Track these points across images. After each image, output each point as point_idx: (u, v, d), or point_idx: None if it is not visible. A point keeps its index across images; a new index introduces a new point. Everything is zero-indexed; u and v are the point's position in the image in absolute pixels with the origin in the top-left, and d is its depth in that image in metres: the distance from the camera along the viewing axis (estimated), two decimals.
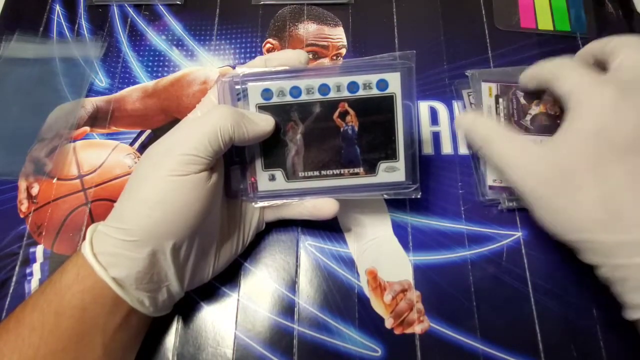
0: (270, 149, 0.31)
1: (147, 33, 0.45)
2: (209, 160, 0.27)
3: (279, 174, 0.31)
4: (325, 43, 0.44)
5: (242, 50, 0.44)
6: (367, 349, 0.33)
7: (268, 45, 0.44)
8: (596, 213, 0.26)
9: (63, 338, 0.25)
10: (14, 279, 0.35)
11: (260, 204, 0.32)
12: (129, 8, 0.46)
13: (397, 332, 0.33)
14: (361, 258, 0.36)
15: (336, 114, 0.30)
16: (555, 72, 0.31)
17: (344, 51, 0.44)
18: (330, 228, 0.36)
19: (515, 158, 0.29)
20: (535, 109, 0.37)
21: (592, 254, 0.27)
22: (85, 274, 0.26)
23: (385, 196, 0.32)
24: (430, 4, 0.46)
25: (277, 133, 0.30)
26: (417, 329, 0.33)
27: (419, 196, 0.32)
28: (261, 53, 0.44)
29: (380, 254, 0.36)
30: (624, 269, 0.26)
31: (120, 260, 0.26)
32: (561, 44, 0.44)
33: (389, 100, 0.30)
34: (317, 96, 0.30)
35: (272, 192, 0.32)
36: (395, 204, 0.37)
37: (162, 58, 0.44)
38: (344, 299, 0.34)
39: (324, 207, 0.32)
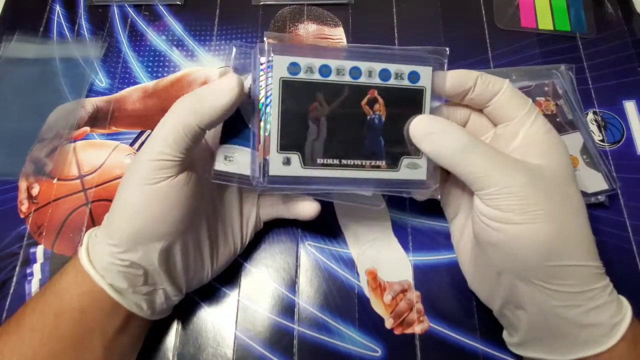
0: (289, 128, 0.28)
1: (147, 33, 0.45)
2: (179, 159, 0.26)
3: (295, 158, 0.28)
4: (325, 43, 0.44)
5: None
6: (367, 349, 0.33)
7: None
8: (590, 244, 0.26)
9: (63, 340, 0.25)
10: (15, 279, 0.35)
11: (269, 188, 0.28)
12: (129, 8, 0.46)
13: (397, 332, 0.33)
14: (361, 258, 0.36)
15: (365, 100, 0.28)
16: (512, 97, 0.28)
17: None
18: (330, 228, 0.37)
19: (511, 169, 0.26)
20: None
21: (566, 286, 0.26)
22: (83, 277, 0.26)
23: (405, 195, 0.30)
24: (430, 4, 0.46)
25: (299, 112, 0.28)
26: (417, 329, 0.33)
27: (438, 197, 0.30)
28: None
29: (380, 254, 0.36)
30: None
31: (113, 267, 0.26)
32: (561, 43, 0.44)
33: (419, 93, 0.28)
34: (347, 79, 0.28)
35: (285, 178, 0.28)
36: (395, 204, 0.37)
37: (162, 58, 0.44)
38: (344, 299, 0.34)
39: (304, 208, 0.31)
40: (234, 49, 0.29)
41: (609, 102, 0.41)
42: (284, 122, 0.27)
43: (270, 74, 0.27)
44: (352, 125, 0.28)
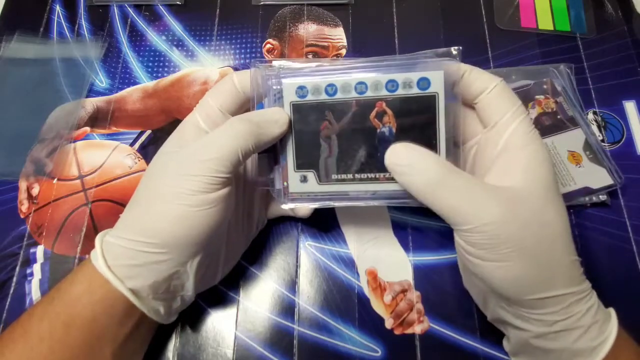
0: (303, 149, 0.29)
1: (148, 33, 0.45)
2: (229, 177, 0.26)
3: (310, 175, 0.29)
4: (325, 43, 0.44)
5: (242, 51, 0.44)
6: (367, 349, 0.33)
7: (268, 45, 0.44)
8: (570, 269, 0.25)
9: (72, 348, 0.25)
10: (15, 279, 0.35)
11: (291, 205, 0.30)
12: (129, 8, 0.46)
13: (397, 332, 0.33)
14: (361, 258, 0.36)
15: (373, 114, 0.28)
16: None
17: (344, 51, 0.44)
18: (330, 228, 0.37)
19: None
20: (532, 112, 0.37)
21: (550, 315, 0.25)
22: (97, 285, 0.26)
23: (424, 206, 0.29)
24: (430, 4, 0.46)
25: (311, 133, 0.29)
26: (417, 329, 0.33)
27: None
28: (261, 53, 0.44)
29: (380, 254, 0.36)
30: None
31: (140, 271, 0.26)
32: (561, 43, 0.44)
33: (431, 100, 0.28)
34: (353, 95, 0.28)
35: (303, 194, 0.30)
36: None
37: (162, 58, 0.44)
38: (344, 300, 0.34)
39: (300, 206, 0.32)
40: (256, 70, 0.29)
41: (609, 102, 0.41)
42: (298, 143, 0.29)
43: (282, 98, 0.28)
44: (362, 140, 0.29)
